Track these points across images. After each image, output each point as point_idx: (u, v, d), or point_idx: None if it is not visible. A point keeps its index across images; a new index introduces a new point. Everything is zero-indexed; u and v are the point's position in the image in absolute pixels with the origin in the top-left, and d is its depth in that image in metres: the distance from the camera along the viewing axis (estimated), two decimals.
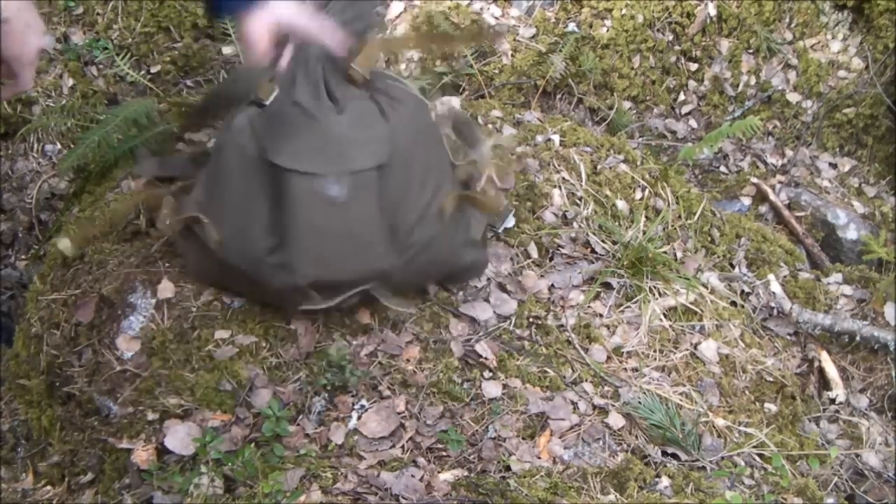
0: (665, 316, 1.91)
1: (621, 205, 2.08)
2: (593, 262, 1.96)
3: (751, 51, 2.72)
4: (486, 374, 1.70)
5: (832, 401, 1.95)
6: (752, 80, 2.72)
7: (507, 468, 1.53)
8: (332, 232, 1.56)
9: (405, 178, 1.62)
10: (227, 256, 1.62)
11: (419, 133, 1.68)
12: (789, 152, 2.69)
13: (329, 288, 1.60)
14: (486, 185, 1.86)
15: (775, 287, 2.10)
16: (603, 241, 2.00)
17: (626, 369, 1.79)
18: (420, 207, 1.64)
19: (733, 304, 2.04)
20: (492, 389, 1.66)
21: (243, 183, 1.59)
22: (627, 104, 2.70)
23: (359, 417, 1.59)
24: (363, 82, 1.65)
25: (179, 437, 1.54)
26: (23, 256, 2.43)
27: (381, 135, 1.60)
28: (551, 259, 1.94)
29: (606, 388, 1.73)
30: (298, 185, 1.54)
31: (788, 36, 2.72)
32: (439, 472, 1.50)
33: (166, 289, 1.74)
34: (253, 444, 1.52)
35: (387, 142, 1.59)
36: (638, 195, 2.13)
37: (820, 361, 1.99)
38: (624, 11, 2.66)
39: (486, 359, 1.71)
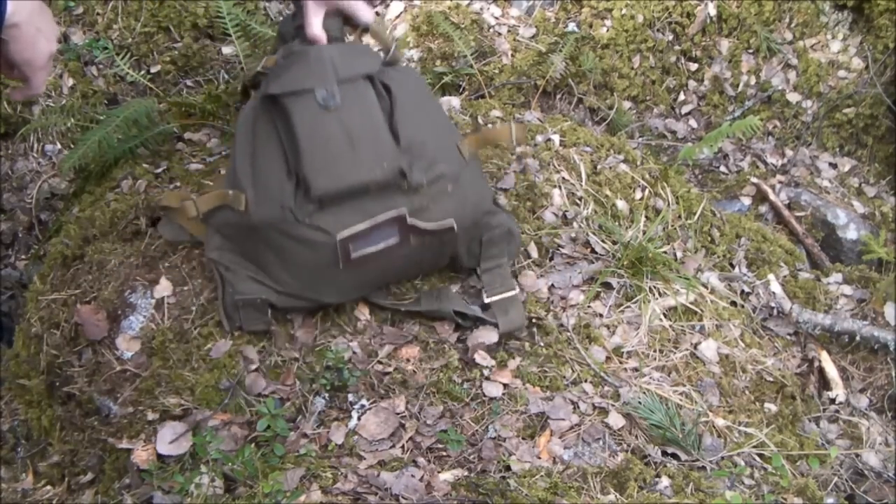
0: (665, 316, 1.91)
1: (621, 205, 2.08)
2: (593, 262, 1.96)
3: (751, 51, 2.72)
4: (486, 374, 1.70)
5: (832, 401, 1.95)
6: (752, 80, 2.72)
7: (507, 468, 1.53)
8: (331, 136, 1.58)
9: (411, 109, 1.65)
10: (256, 216, 1.60)
11: (421, 90, 1.74)
12: (789, 152, 2.69)
13: (347, 201, 1.59)
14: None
15: (775, 287, 2.10)
16: (603, 241, 2.00)
17: (626, 369, 1.79)
18: (436, 142, 1.66)
19: (733, 304, 2.04)
20: (492, 389, 1.66)
21: (253, 136, 1.64)
22: (627, 104, 2.70)
23: (359, 417, 1.59)
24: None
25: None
26: (23, 256, 2.43)
27: (370, 56, 1.69)
28: (551, 259, 1.94)
29: (606, 388, 1.73)
30: (294, 104, 1.59)
31: (788, 36, 2.72)
32: (439, 472, 1.50)
33: (166, 289, 1.74)
34: (253, 444, 1.52)
35: (377, 60, 1.67)
36: (638, 195, 2.13)
37: (820, 361, 1.99)
38: (624, 11, 2.66)
39: (486, 359, 1.71)
